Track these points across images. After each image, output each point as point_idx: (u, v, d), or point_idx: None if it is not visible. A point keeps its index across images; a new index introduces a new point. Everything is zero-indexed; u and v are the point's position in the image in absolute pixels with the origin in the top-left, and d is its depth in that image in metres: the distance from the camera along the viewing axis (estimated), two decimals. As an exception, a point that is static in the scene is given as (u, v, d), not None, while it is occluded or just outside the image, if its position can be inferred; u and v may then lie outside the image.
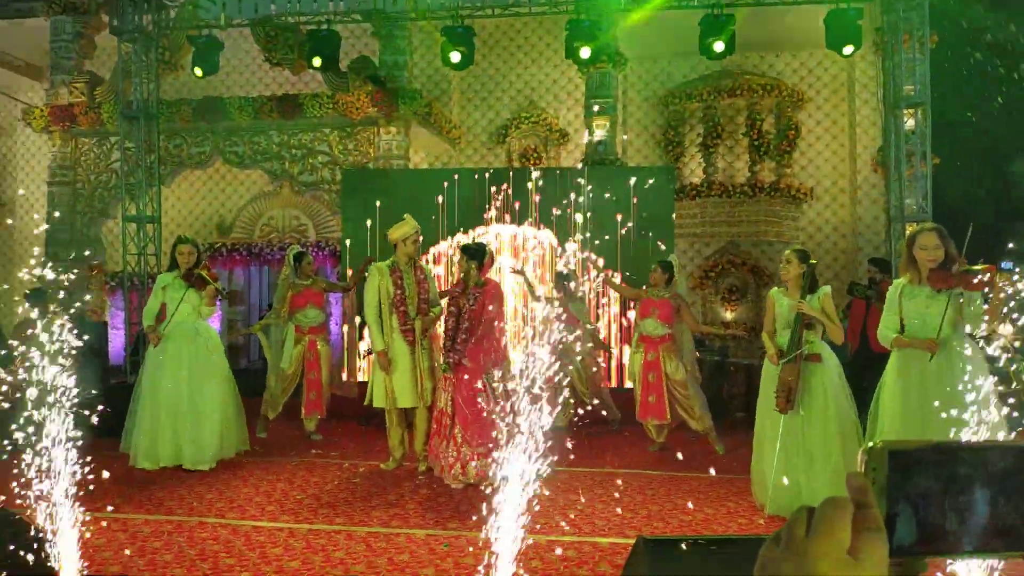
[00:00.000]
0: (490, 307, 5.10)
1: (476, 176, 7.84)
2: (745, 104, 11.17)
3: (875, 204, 10.88)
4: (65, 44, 10.56)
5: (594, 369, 6.95)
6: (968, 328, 3.85)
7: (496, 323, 5.18)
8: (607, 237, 7.47)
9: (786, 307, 4.43)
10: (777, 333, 4.51)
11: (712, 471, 5.07)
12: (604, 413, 6.94)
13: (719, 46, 7.83)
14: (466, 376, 5.03)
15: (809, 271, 4.39)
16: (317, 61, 8.53)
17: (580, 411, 6.92)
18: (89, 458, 3.55)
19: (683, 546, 2.63)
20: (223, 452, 5.52)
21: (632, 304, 7.02)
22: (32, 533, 3.07)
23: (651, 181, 7.59)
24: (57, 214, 10.20)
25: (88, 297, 10.87)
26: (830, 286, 4.51)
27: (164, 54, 9.56)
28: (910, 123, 7.80)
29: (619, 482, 5.10)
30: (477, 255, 5.18)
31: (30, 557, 2.89)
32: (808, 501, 4.21)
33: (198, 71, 8.63)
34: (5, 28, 11.52)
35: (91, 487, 3.52)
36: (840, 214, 11.29)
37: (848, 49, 7.92)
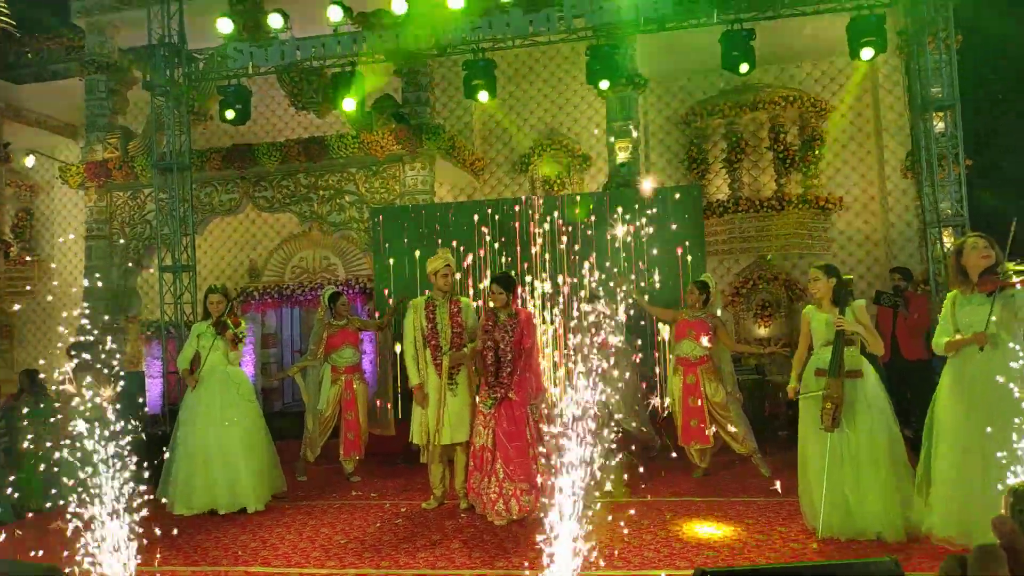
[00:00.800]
0: (527, 337, 5.08)
1: (490, 208, 7.84)
2: (767, 117, 11.08)
3: (907, 211, 10.67)
4: (99, 102, 10.90)
5: (632, 393, 6.85)
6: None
7: (533, 353, 5.15)
8: (640, 261, 7.42)
9: (823, 324, 4.35)
10: (814, 350, 4.43)
11: (756, 495, 4.94)
12: (642, 438, 6.82)
13: (744, 67, 7.80)
14: (510, 410, 4.99)
15: (842, 286, 4.33)
16: (348, 105, 8.67)
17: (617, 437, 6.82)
18: (135, 509, 3.57)
19: (740, 580, 2.55)
20: (258, 497, 5.54)
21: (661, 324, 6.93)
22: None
23: (677, 197, 7.53)
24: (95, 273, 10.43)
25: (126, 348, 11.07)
26: (864, 299, 4.44)
27: (194, 105, 9.81)
28: (940, 126, 7.66)
29: (665, 510, 5.00)
30: (510, 285, 5.16)
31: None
32: (859, 520, 4.11)
33: (230, 115, 8.81)
34: (42, 90, 11.97)
35: (137, 539, 3.54)
36: (871, 223, 11.09)
37: (869, 54, 7.81)
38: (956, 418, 3.99)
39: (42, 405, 7.06)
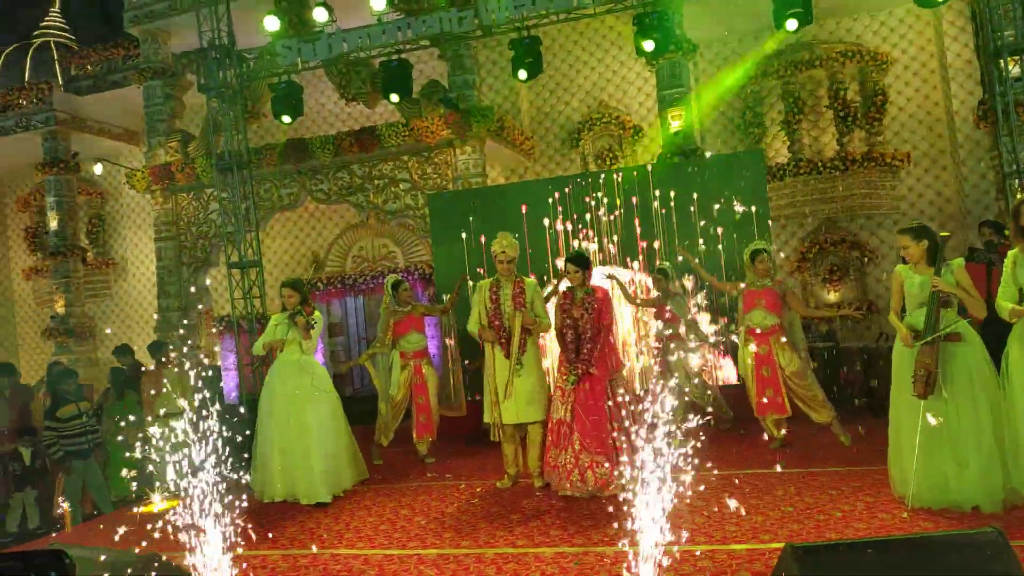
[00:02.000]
0: (605, 314, 5.08)
1: (551, 186, 7.79)
2: (826, 75, 10.69)
3: (980, 163, 10.17)
4: (157, 107, 11.24)
5: (699, 366, 6.77)
6: None
7: (612, 329, 5.16)
8: (700, 235, 7.29)
9: (917, 285, 4.13)
10: (908, 313, 4.22)
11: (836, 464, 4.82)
12: (713, 412, 6.74)
13: (792, 24, 7.50)
14: (590, 384, 5.00)
15: (938, 245, 4.09)
16: (394, 96, 8.73)
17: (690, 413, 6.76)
18: (228, 498, 3.70)
19: (836, 551, 2.49)
20: (340, 484, 5.65)
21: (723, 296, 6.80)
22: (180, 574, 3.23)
23: (738, 162, 7.36)
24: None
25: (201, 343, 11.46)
26: (962, 258, 4.20)
27: (247, 104, 10.01)
28: (1015, 70, 7.25)
29: (743, 484, 4.93)
30: (585, 263, 5.17)
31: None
32: (956, 493, 3.96)
33: (286, 118, 8.97)
34: (104, 100, 12.40)
35: (228, 526, 3.68)
36: (942, 177, 10.62)
37: (940, -1, 7.41)
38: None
39: (123, 402, 7.39)
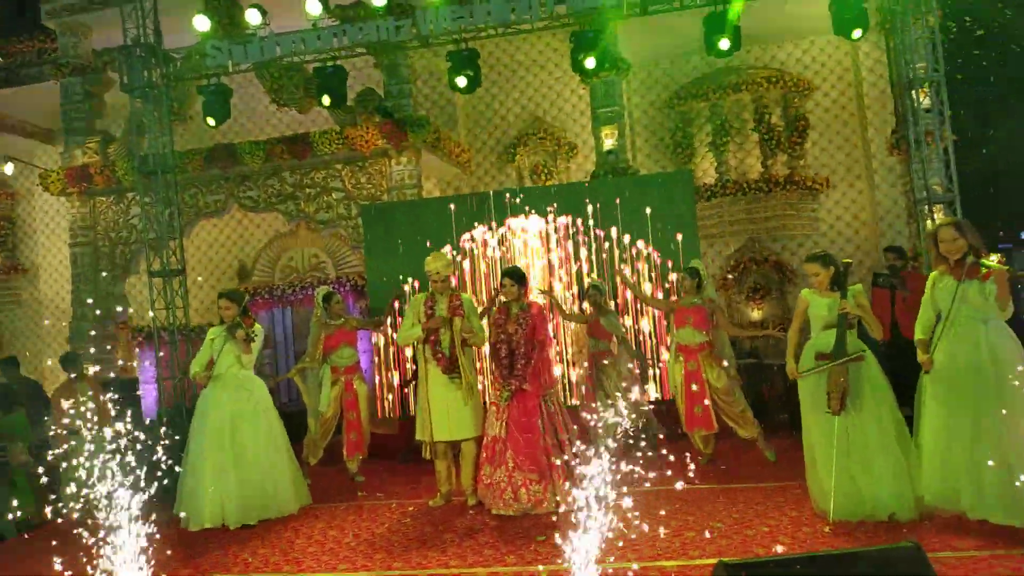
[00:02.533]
0: (540, 330, 5.09)
1: (483, 201, 7.79)
2: (751, 99, 11.11)
3: (893, 188, 10.75)
4: (76, 105, 10.71)
5: (624, 383, 6.87)
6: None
7: (546, 345, 5.17)
8: (631, 249, 7.42)
9: (824, 308, 4.41)
10: (813, 334, 4.49)
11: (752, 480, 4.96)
12: (642, 426, 6.85)
13: (724, 44, 7.76)
14: (523, 401, 4.99)
15: (843, 271, 4.37)
16: (327, 100, 8.56)
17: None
18: (147, 520, 3.53)
19: (766, 567, 2.56)
20: (279, 510, 5.36)
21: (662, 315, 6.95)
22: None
23: (667, 183, 7.52)
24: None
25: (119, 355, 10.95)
26: (860, 284, 4.50)
27: (173, 105, 9.64)
28: (926, 102, 7.70)
29: (672, 499, 5.01)
30: (521, 278, 5.17)
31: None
32: (871, 503, 4.15)
33: (211, 121, 8.67)
34: (17, 95, 11.73)
35: (148, 555, 3.50)
36: (859, 201, 11.16)
37: (857, 33, 7.79)
38: (940, 390, 4.14)
39: (9, 420, 6.94)
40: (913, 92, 7.58)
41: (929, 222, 7.59)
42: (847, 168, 11.19)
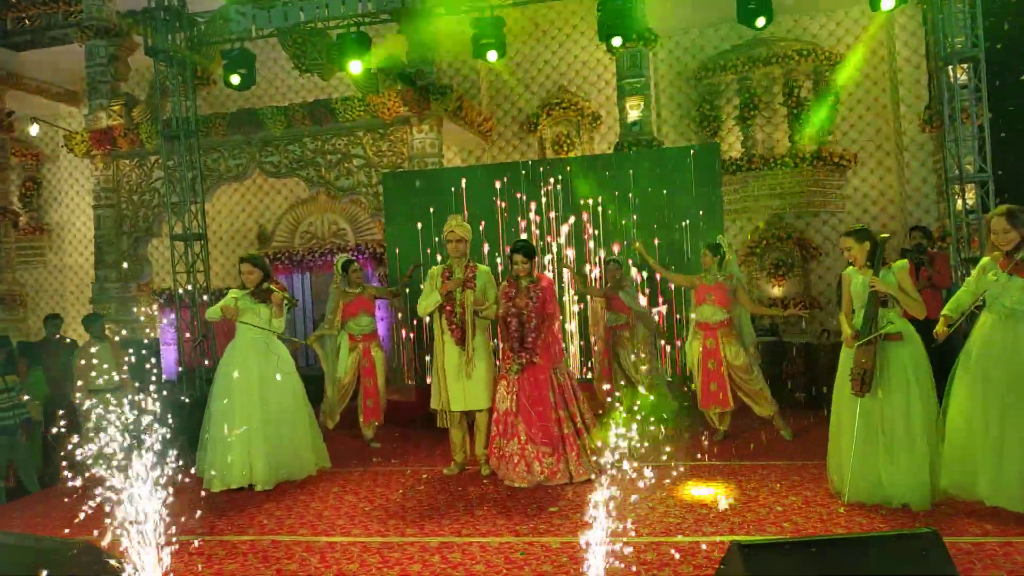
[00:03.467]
0: (550, 303, 5.06)
1: (511, 171, 7.72)
2: (781, 72, 10.85)
3: (923, 166, 10.50)
4: (100, 68, 10.72)
5: (644, 356, 6.83)
6: None
7: (556, 319, 5.15)
8: (653, 224, 7.34)
9: (859, 285, 4.25)
10: (855, 313, 4.34)
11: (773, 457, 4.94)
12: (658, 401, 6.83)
13: (761, 21, 7.54)
14: (534, 374, 4.99)
15: (879, 246, 4.21)
16: (354, 67, 8.45)
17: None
18: (165, 484, 3.57)
19: (781, 549, 2.54)
20: (302, 471, 5.43)
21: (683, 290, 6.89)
22: (114, 565, 3.11)
23: (693, 155, 7.39)
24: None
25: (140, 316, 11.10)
26: (906, 260, 4.32)
27: (197, 69, 9.63)
28: (962, 78, 7.47)
29: (687, 475, 5.01)
30: (531, 252, 5.13)
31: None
32: (889, 491, 4.10)
33: (235, 79, 8.60)
34: (42, 57, 11.77)
35: (166, 514, 3.56)
36: (887, 179, 10.93)
37: (890, 3, 7.51)
38: (972, 376, 4.05)
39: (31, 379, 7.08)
40: (950, 68, 7.36)
41: (960, 202, 7.42)
42: (877, 144, 10.94)
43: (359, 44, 8.66)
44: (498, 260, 7.45)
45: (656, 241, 7.28)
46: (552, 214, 7.56)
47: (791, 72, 10.76)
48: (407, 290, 7.21)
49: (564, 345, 5.83)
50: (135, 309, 10.90)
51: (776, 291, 10.77)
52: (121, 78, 11.13)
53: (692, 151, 7.51)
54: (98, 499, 3.50)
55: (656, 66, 11.33)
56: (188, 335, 8.52)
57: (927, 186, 10.46)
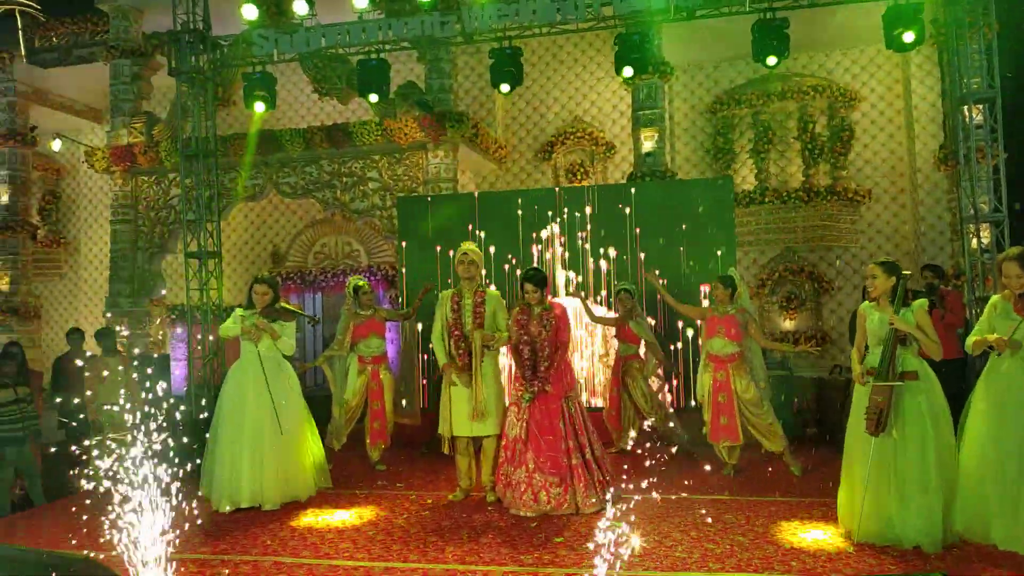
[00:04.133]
0: (563, 331, 5.06)
1: (522, 199, 7.77)
2: (796, 107, 10.92)
3: (938, 204, 10.49)
4: (124, 87, 10.94)
5: (656, 387, 6.81)
6: None
7: (568, 347, 5.14)
8: (665, 254, 7.35)
9: (877, 322, 4.21)
10: (869, 350, 4.29)
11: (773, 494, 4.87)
12: (669, 433, 6.79)
13: (772, 60, 7.56)
14: (545, 403, 4.97)
15: (902, 283, 4.18)
16: (373, 97, 8.57)
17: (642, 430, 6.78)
18: (169, 502, 3.57)
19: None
20: (307, 491, 5.44)
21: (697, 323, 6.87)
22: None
23: (706, 189, 7.42)
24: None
25: (156, 332, 11.16)
26: (926, 299, 4.28)
27: (218, 91, 9.79)
28: (978, 118, 7.48)
29: (695, 509, 4.95)
30: (543, 281, 5.13)
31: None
32: (900, 532, 4.03)
33: (259, 106, 8.72)
34: (67, 74, 12.02)
35: (171, 531, 3.55)
36: (900, 215, 10.91)
37: (910, 38, 7.44)
38: (986, 418, 4.03)
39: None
40: (965, 108, 7.38)
41: (975, 241, 7.39)
42: (891, 181, 10.95)
43: (380, 70, 8.78)
44: (505, 285, 7.47)
45: (664, 274, 7.28)
46: (565, 240, 7.58)
47: (806, 107, 10.83)
48: (417, 313, 7.22)
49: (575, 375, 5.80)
50: (147, 324, 10.98)
51: (788, 324, 10.72)
52: (143, 97, 11.34)
53: (706, 184, 7.53)
54: (103, 514, 3.50)
55: (671, 98, 11.42)
56: (198, 351, 8.55)
57: (941, 224, 10.43)
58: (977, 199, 7.21)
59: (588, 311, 6.72)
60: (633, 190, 7.77)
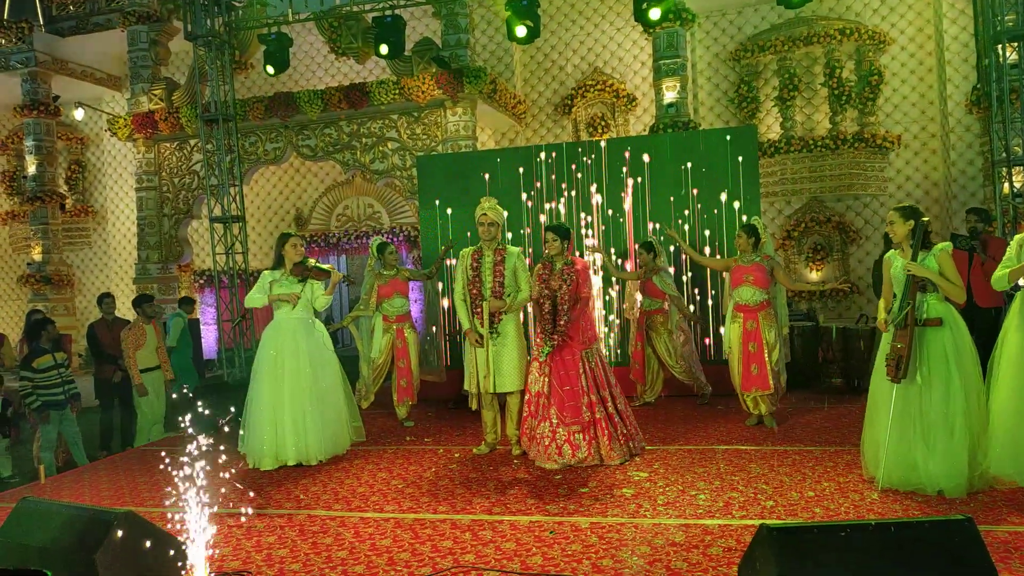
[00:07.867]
0: (584, 286, 5.06)
1: (544, 154, 7.70)
2: (822, 52, 10.63)
3: (970, 148, 10.21)
4: (142, 53, 10.96)
5: (682, 340, 6.80)
6: None
7: (589, 302, 5.14)
8: (689, 211, 7.27)
9: (899, 269, 4.14)
10: (895, 298, 4.22)
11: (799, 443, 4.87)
12: (694, 386, 6.81)
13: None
14: (564, 356, 5.00)
15: (919, 228, 4.10)
16: (384, 50, 8.51)
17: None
18: (209, 460, 3.67)
19: (811, 533, 2.52)
20: (343, 447, 5.57)
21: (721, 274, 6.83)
22: (157, 532, 3.23)
23: (730, 139, 7.28)
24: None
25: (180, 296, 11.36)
26: (949, 243, 4.19)
27: (235, 54, 9.77)
28: (1012, 57, 7.22)
29: (719, 459, 5.00)
30: (565, 233, 5.12)
31: (161, 558, 3.03)
32: (924, 479, 4.02)
33: (270, 69, 8.74)
34: (85, 42, 12.05)
35: (210, 488, 3.66)
36: (931, 161, 10.66)
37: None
38: (1017, 358, 3.96)
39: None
40: (999, 46, 7.12)
41: (1007, 185, 7.21)
42: (921, 126, 10.67)
43: (394, 27, 8.69)
44: (527, 244, 7.46)
45: (689, 225, 7.21)
46: (586, 197, 7.53)
47: (832, 52, 10.53)
48: (439, 272, 7.26)
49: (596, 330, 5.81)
50: (176, 289, 11.17)
51: (814, 275, 10.61)
52: (162, 63, 11.36)
53: (729, 133, 7.40)
54: (144, 474, 3.62)
55: (693, 46, 11.17)
56: (226, 316, 8.71)
57: (973, 169, 10.17)
58: (1010, 141, 7.01)
59: (611, 265, 6.70)
60: (653, 142, 7.66)
